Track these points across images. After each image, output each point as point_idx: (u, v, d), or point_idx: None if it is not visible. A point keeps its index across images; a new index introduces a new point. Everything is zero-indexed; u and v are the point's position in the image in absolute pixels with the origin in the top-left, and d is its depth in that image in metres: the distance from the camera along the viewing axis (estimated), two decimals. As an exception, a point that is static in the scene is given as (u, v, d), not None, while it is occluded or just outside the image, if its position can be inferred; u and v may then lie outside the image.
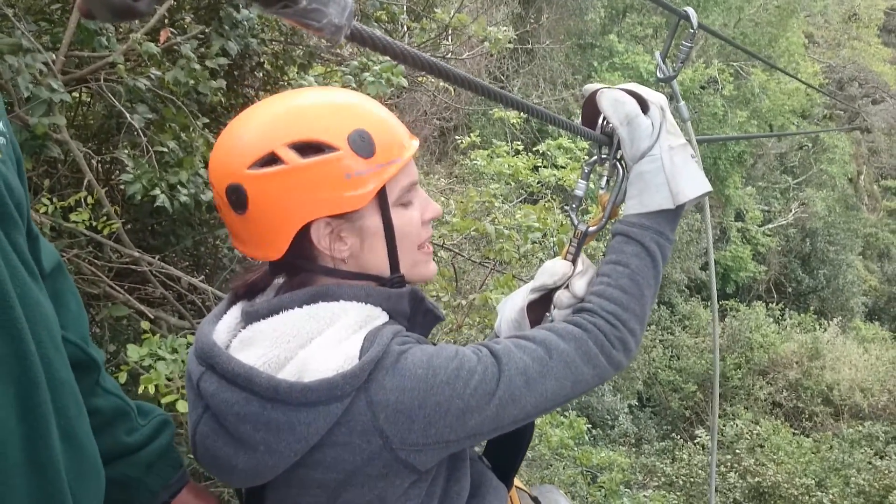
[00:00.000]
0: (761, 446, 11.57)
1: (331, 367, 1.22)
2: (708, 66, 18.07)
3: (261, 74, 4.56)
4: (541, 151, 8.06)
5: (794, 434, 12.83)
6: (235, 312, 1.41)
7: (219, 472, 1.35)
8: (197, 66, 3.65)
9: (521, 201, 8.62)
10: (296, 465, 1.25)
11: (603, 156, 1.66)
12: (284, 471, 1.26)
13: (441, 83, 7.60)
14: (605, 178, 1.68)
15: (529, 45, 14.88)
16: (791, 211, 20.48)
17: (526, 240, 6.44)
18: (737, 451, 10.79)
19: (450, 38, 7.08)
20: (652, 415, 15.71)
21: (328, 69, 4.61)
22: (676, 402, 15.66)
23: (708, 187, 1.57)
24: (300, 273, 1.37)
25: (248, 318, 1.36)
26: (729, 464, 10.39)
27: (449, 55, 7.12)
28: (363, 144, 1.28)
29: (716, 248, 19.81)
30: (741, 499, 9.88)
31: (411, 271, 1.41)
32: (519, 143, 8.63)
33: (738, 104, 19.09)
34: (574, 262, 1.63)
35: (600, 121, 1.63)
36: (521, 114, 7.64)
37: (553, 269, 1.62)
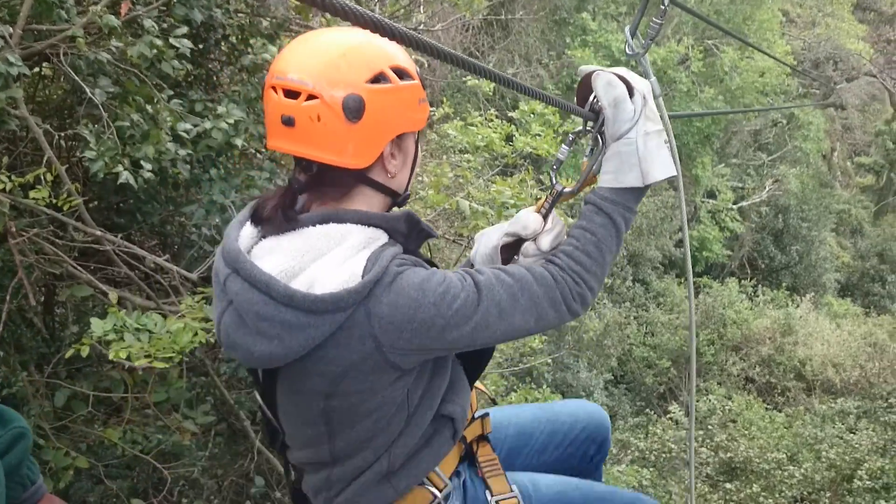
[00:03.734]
0: (734, 421, 11.70)
1: (337, 282, 1.48)
2: (679, 44, 18.07)
3: (225, 48, 4.46)
4: (515, 119, 7.96)
5: (766, 409, 13.00)
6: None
7: (240, 355, 1.61)
8: (159, 42, 3.55)
9: (496, 173, 8.56)
10: (304, 357, 1.53)
11: (588, 129, 1.87)
12: (294, 360, 1.53)
13: (415, 56, 7.50)
14: (588, 149, 1.87)
15: (503, 17, 14.73)
16: (765, 188, 20.61)
17: (500, 215, 6.39)
18: (709, 426, 10.90)
19: (421, 7, 6.95)
20: (626, 391, 15.84)
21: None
22: (651, 378, 15.80)
23: (674, 171, 1.80)
24: (338, 185, 1.60)
25: (269, 231, 1.58)
26: (701, 439, 10.51)
27: (421, 27, 6.99)
28: (421, 79, 1.62)
29: (687, 226, 19.91)
30: (713, 473, 10.00)
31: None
32: (493, 111, 8.54)
33: (708, 81, 19.11)
34: (545, 217, 1.84)
35: (591, 98, 1.84)
36: (492, 83, 7.46)
37: (525, 222, 1.84)
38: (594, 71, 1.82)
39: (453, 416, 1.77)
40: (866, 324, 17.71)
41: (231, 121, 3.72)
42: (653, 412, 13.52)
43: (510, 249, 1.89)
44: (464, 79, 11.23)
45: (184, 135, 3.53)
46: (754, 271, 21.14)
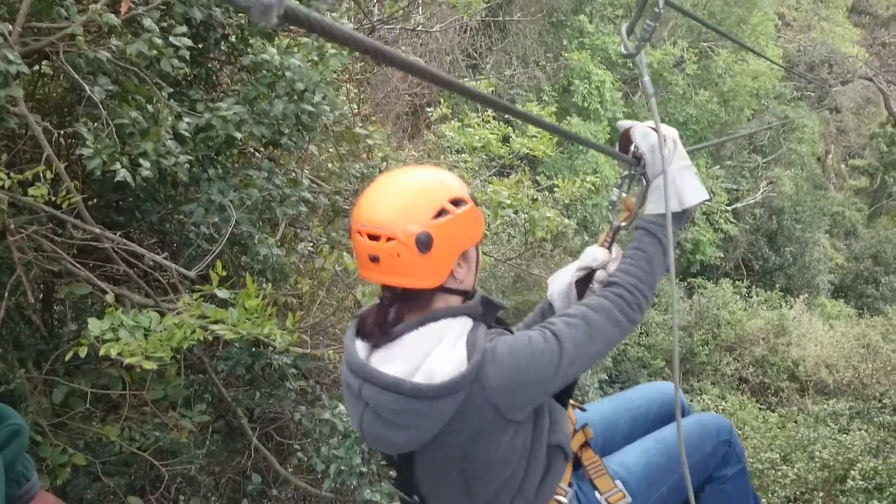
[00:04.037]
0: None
1: (450, 370, 1.83)
2: (674, 46, 18.11)
3: (225, 47, 4.47)
4: (511, 121, 8.00)
5: (760, 409, 13.02)
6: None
7: (381, 446, 2.02)
8: (159, 40, 3.57)
9: (493, 174, 8.59)
10: (436, 436, 1.87)
11: (633, 172, 2.26)
12: (429, 440, 1.88)
13: (412, 57, 7.51)
14: (625, 185, 2.31)
15: (500, 18, 14.75)
16: (759, 190, 20.65)
17: (496, 216, 6.41)
18: (703, 425, 10.90)
19: (419, 8, 6.97)
20: (621, 390, 15.87)
21: (294, 41, 4.53)
22: (645, 378, 15.81)
23: (706, 196, 2.23)
24: (420, 299, 1.95)
25: (375, 342, 1.97)
26: (695, 439, 10.51)
27: (419, 27, 7.01)
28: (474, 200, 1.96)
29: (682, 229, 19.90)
30: (708, 472, 10.00)
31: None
32: (490, 113, 8.58)
33: (703, 84, 19.15)
34: (610, 249, 2.28)
35: (632, 147, 2.24)
36: (490, 85, 7.44)
37: (595, 256, 2.27)
38: (632, 126, 2.24)
39: (561, 444, 2.12)
40: (859, 325, 17.72)
41: (229, 115, 3.74)
42: (647, 412, 13.53)
43: (583, 282, 2.30)
44: (463, 78, 11.26)
45: (184, 133, 3.54)
46: (749, 272, 21.17)
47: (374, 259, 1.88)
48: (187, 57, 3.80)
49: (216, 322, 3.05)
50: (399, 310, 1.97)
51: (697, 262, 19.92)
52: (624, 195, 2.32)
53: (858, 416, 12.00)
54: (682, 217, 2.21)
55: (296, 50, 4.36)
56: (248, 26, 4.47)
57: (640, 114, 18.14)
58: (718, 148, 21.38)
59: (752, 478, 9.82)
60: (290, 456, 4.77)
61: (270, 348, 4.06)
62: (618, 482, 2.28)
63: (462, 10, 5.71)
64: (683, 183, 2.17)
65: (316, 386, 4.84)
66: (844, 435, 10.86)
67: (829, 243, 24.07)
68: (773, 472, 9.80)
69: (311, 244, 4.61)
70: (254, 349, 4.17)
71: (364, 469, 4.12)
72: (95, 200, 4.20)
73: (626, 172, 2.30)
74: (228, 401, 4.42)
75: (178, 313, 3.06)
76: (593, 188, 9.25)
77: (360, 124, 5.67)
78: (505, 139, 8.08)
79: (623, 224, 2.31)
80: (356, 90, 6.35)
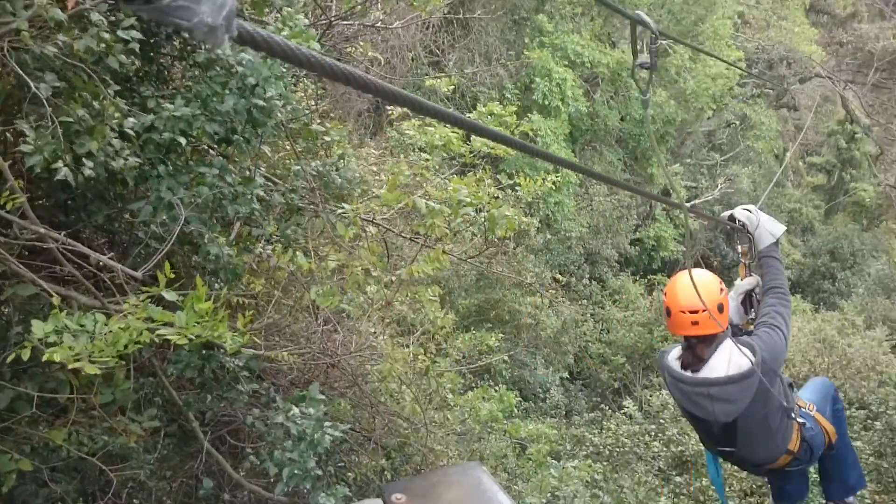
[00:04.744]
0: (687, 416, 11.85)
1: (744, 364, 3.52)
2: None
3: (178, 42, 4.39)
4: (472, 119, 7.98)
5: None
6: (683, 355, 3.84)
7: (705, 416, 3.73)
8: (107, 35, 3.49)
9: (454, 172, 8.56)
10: (749, 404, 3.57)
11: (744, 237, 4.20)
12: (744, 409, 3.62)
13: (371, 53, 7.47)
14: (739, 247, 4.29)
15: (461, 16, 14.72)
16: (717, 187, 20.94)
17: (457, 214, 6.39)
18: (662, 420, 11.02)
19: (379, 4, 6.90)
20: (582, 387, 15.98)
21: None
22: (606, 374, 15.96)
23: (784, 227, 4.15)
24: (717, 336, 3.67)
25: (694, 368, 3.74)
26: (653, 433, 10.63)
27: (379, 24, 6.95)
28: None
29: (642, 226, 20.15)
30: (665, 467, 10.13)
31: None
32: (452, 110, 8.55)
33: (663, 84, 19.33)
34: (751, 275, 4.18)
35: (737, 223, 4.16)
36: (451, 83, 7.38)
37: (749, 282, 4.18)
38: (732, 212, 4.23)
39: (790, 383, 4.02)
40: (815, 320, 18.05)
41: (178, 114, 3.66)
42: (608, 407, 13.64)
43: (748, 299, 4.17)
44: (423, 78, 11.21)
45: (129, 131, 3.47)
46: (708, 269, 21.42)
47: (695, 324, 3.61)
48: (138, 51, 3.72)
49: (165, 325, 2.99)
50: (700, 344, 3.72)
51: (659, 259, 20.14)
52: (739, 247, 4.25)
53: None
54: (777, 243, 4.09)
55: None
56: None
57: (601, 110, 18.27)
58: (679, 146, 21.65)
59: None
60: (244, 460, 4.71)
61: (222, 350, 4.00)
62: (805, 400, 4.15)
63: (420, 7, 5.67)
64: (772, 225, 4.09)
65: (270, 388, 4.78)
66: (798, 428, 11.06)
67: (786, 240, 24.51)
68: (730, 465, 9.94)
69: (266, 243, 4.54)
70: (204, 351, 4.10)
71: (319, 472, 4.08)
72: (43, 200, 4.10)
73: (742, 245, 4.24)
74: (179, 404, 4.34)
75: (123, 316, 2.99)
76: (554, 187, 9.27)
77: (319, 121, 5.61)
78: (467, 137, 8.06)
79: (749, 262, 4.21)
80: (314, 86, 6.28)
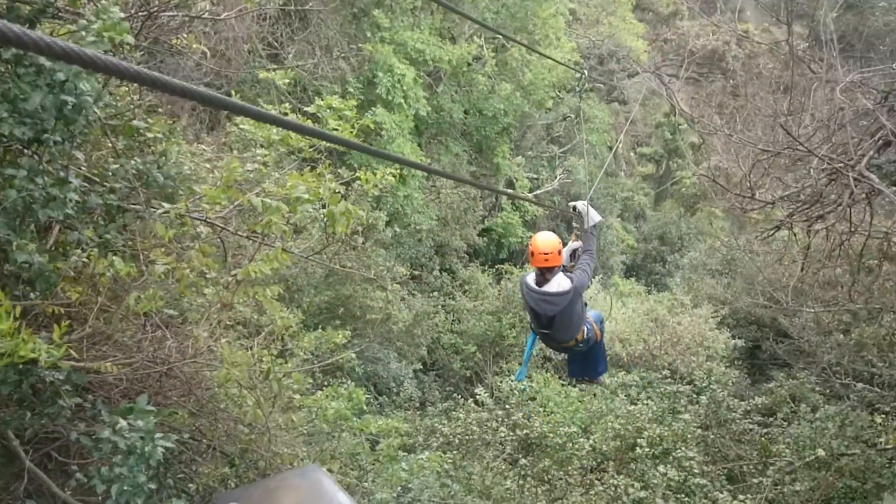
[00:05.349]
0: (533, 399, 12.28)
1: (566, 286, 6.09)
2: (471, 44, 18.61)
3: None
4: (311, 113, 7.86)
5: (563, 385, 13.72)
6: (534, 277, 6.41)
7: (541, 311, 6.25)
8: None
9: (294, 168, 8.38)
10: (564, 308, 6.11)
11: (578, 220, 6.72)
12: (560, 310, 6.15)
13: (205, 45, 7.17)
14: (575, 225, 6.80)
15: (293, 7, 14.43)
16: (556, 178, 21.80)
17: (295, 211, 6.25)
18: (508, 406, 11.34)
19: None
20: (436, 377, 16.18)
21: (59, 27, 4.15)
22: (458, 364, 16.25)
23: (601, 218, 6.90)
24: (554, 269, 6.20)
25: (545, 283, 6.24)
26: (500, 419, 10.93)
27: (206, 15, 6.66)
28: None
29: (490, 216, 20.69)
30: (512, 451, 10.43)
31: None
32: (287, 105, 8.38)
33: (504, 77, 19.87)
34: (578, 241, 6.71)
35: (575, 211, 6.68)
36: (287, 76, 7.21)
37: (576, 245, 6.61)
38: (576, 203, 6.67)
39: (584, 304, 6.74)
40: (648, 301, 19.21)
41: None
42: (460, 396, 13.89)
43: (573, 253, 6.59)
44: (257, 71, 10.89)
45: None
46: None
47: (546, 260, 6.03)
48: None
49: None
50: (545, 272, 6.13)
51: (506, 249, 20.72)
52: (576, 225, 6.53)
53: (648, 387, 13.00)
54: (597, 227, 6.53)
55: (63, 37, 4.00)
56: (6, 12, 4.05)
57: (445, 104, 18.53)
58: (520, 139, 22.35)
59: (555, 451, 10.40)
60: (71, 478, 4.41)
61: (39, 364, 3.72)
62: (590, 314, 6.76)
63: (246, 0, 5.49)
64: (594, 214, 6.47)
65: (98, 401, 4.50)
66: (633, 405, 11.73)
67: (620, 226, 25.92)
68: (571, 444, 10.39)
69: (85, 249, 4.25)
70: (21, 366, 3.80)
71: (153, 486, 3.88)
72: None
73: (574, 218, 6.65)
74: (-5, 424, 4.00)
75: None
76: (396, 180, 9.29)
77: (144, 116, 5.32)
78: (305, 131, 7.90)
79: (579, 234, 6.56)
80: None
